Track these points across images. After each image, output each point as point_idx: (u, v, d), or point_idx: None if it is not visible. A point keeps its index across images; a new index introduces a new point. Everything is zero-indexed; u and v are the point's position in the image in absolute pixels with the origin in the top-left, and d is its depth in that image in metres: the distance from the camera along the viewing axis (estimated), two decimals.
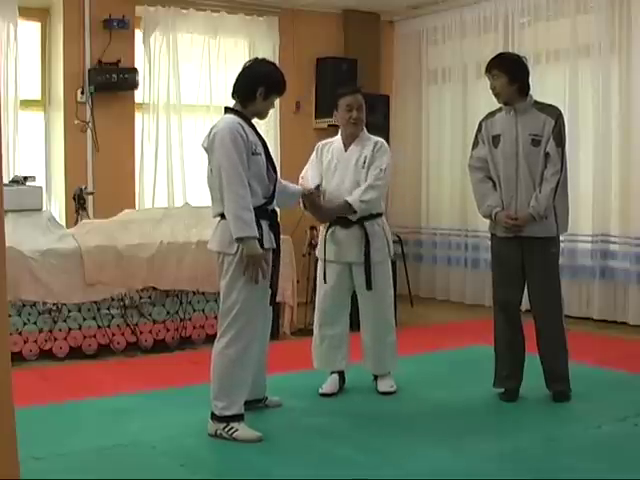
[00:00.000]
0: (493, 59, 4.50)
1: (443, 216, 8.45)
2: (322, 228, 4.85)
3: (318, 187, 4.63)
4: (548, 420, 4.23)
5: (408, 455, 3.70)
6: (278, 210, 4.26)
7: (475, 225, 7.94)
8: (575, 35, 7.18)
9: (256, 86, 3.97)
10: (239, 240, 3.82)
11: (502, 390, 4.56)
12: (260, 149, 3.99)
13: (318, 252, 4.85)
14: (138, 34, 7.60)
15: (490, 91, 4.49)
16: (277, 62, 8.04)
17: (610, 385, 4.92)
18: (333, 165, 4.74)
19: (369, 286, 4.65)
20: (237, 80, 4.06)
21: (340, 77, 8.30)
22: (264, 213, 3.95)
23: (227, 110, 4.07)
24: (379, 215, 4.72)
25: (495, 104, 4.57)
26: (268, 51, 8.17)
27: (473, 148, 4.65)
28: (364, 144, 4.73)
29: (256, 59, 4.23)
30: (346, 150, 4.74)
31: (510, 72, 4.38)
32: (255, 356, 4.02)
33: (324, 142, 4.92)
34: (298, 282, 6.75)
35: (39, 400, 4.50)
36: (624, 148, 6.88)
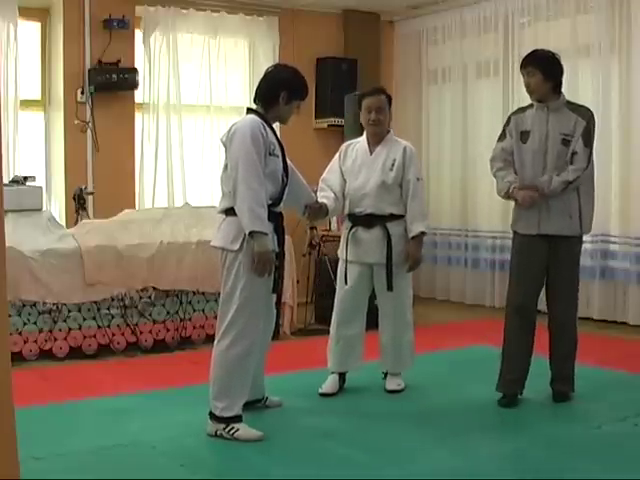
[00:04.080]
0: (528, 55, 4.45)
1: (443, 216, 8.45)
2: (344, 229, 4.86)
3: (325, 207, 4.56)
4: (548, 420, 4.22)
5: (409, 455, 3.70)
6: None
7: (475, 225, 7.94)
8: (575, 35, 7.18)
9: (278, 91, 4.01)
10: (251, 234, 3.79)
11: (501, 395, 4.48)
12: (278, 151, 4.02)
13: (340, 252, 4.85)
14: (138, 34, 7.60)
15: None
16: (277, 62, 8.11)
17: (610, 385, 4.92)
18: (357, 165, 4.76)
19: (390, 288, 4.66)
20: (259, 85, 4.11)
21: (340, 77, 8.32)
22: (270, 215, 3.92)
23: (249, 111, 4.09)
24: (401, 216, 4.72)
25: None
26: (268, 51, 8.18)
27: (499, 140, 4.60)
28: (391, 146, 4.75)
29: (278, 64, 4.32)
30: (372, 151, 4.76)
31: (545, 69, 4.34)
32: (257, 357, 4.02)
33: (348, 143, 4.95)
34: (298, 282, 6.75)
35: (39, 400, 4.50)
36: (624, 148, 6.88)
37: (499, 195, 4.62)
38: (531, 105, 4.51)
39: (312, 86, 8.41)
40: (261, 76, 4.21)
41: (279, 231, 4.04)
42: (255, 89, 4.15)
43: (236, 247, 3.88)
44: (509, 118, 4.60)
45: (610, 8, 6.90)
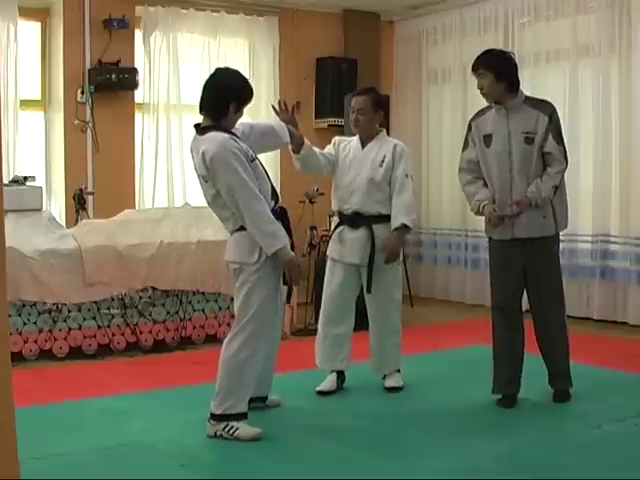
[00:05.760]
0: (478, 58, 4.39)
1: (443, 216, 8.45)
2: (333, 226, 4.86)
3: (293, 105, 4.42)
4: (548, 420, 4.22)
5: (408, 455, 3.70)
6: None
7: (475, 225, 7.91)
8: (575, 35, 7.18)
9: (228, 102, 3.89)
10: (274, 254, 3.83)
11: (500, 397, 4.47)
12: (252, 153, 3.95)
13: (328, 251, 4.85)
14: (138, 34, 7.60)
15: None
16: (277, 62, 8.13)
17: (610, 385, 4.92)
18: (348, 161, 4.75)
19: (369, 289, 4.66)
20: (206, 95, 3.95)
21: (340, 77, 8.32)
22: (275, 215, 3.93)
23: (201, 128, 3.94)
24: (389, 218, 4.70)
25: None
26: (268, 51, 8.18)
27: (463, 150, 4.56)
28: (382, 144, 4.74)
29: (220, 70, 4.12)
30: (363, 148, 4.76)
31: (496, 70, 4.28)
32: (264, 355, 4.03)
33: (342, 138, 4.94)
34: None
35: (39, 400, 4.50)
36: (624, 148, 6.88)
37: (472, 212, 4.60)
38: (490, 107, 4.45)
39: (312, 86, 8.45)
40: (207, 80, 4.02)
41: (285, 226, 4.03)
42: (200, 99, 3.97)
43: (253, 259, 3.89)
44: (469, 124, 4.53)
45: (610, 8, 6.90)
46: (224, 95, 3.91)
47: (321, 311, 4.85)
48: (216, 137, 3.83)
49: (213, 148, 3.80)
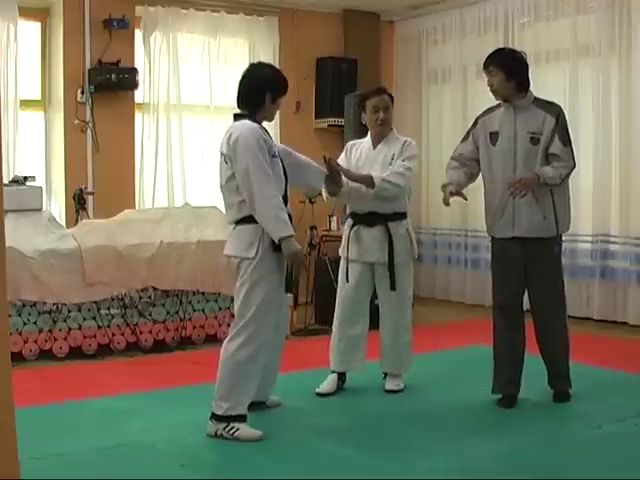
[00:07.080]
0: (490, 55, 4.43)
1: (443, 216, 8.44)
2: (346, 227, 4.86)
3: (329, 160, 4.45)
4: (548, 420, 4.22)
5: (408, 455, 3.70)
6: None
7: (475, 225, 7.93)
8: (575, 35, 7.18)
9: (263, 92, 4.00)
10: (282, 240, 3.83)
11: (500, 397, 4.48)
12: (276, 152, 4.03)
13: (341, 251, 4.85)
14: (138, 34, 7.60)
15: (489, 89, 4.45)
16: (277, 62, 8.12)
17: (610, 385, 4.92)
18: (361, 163, 4.76)
19: (393, 287, 4.65)
20: (241, 89, 4.08)
21: (340, 77, 8.32)
22: None
23: (237, 116, 4.06)
24: (404, 216, 4.73)
25: (494, 105, 4.54)
26: (268, 51, 8.17)
27: (461, 142, 4.60)
28: (392, 143, 4.76)
29: (254, 64, 4.27)
30: (374, 149, 4.77)
31: (507, 68, 4.31)
32: (266, 357, 4.03)
33: (353, 142, 4.96)
34: (298, 282, 6.75)
35: (39, 400, 4.50)
36: (624, 148, 6.89)
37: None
38: (499, 105, 4.47)
39: (312, 86, 8.45)
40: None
41: None
42: (237, 93, 4.09)
43: (252, 254, 3.90)
44: (476, 120, 4.56)
45: (610, 8, 6.90)
46: (258, 86, 4.02)
47: (335, 313, 4.83)
48: (246, 124, 3.96)
49: (241, 131, 3.91)
